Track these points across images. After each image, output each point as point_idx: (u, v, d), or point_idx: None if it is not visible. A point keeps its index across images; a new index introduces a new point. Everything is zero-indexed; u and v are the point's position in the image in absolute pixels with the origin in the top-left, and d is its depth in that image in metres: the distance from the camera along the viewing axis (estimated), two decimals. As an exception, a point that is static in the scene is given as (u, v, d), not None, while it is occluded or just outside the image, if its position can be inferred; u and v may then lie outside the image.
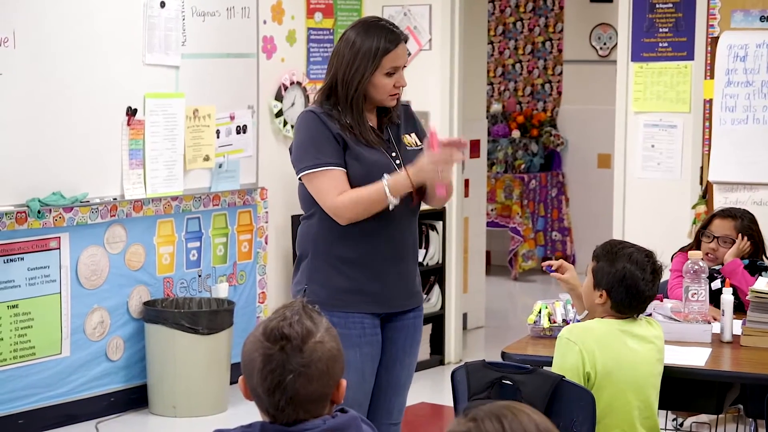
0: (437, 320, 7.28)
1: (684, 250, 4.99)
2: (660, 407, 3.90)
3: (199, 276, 6.58)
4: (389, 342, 3.99)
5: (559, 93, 10.48)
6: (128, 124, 6.11)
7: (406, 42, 3.93)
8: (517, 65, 10.62)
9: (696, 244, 5.01)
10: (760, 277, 4.63)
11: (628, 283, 3.76)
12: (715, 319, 4.44)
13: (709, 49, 6.32)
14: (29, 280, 5.80)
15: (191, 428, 6.04)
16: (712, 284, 4.65)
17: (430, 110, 7.22)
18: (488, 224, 9.22)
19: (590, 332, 3.76)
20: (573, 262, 10.01)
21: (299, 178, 3.94)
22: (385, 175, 3.84)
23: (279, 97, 6.92)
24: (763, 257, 5.01)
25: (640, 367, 3.78)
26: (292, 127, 6.91)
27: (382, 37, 3.85)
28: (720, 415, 4.99)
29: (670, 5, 6.44)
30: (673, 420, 5.69)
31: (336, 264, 3.89)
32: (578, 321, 4.09)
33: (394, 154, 3.94)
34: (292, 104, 6.99)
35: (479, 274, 8.25)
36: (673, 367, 3.94)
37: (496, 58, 10.64)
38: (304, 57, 7.09)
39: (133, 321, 6.28)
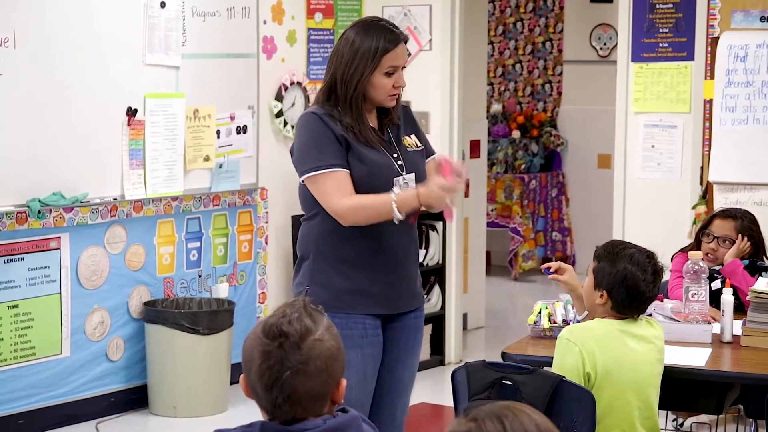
0: (437, 320, 7.28)
1: (684, 250, 4.99)
2: (660, 407, 3.90)
3: (200, 276, 6.58)
4: (391, 342, 3.99)
5: (560, 93, 10.48)
6: (128, 125, 6.11)
7: (406, 42, 3.93)
8: (518, 65, 10.62)
9: (696, 245, 5.01)
10: (760, 277, 4.63)
11: (629, 283, 3.76)
12: (714, 320, 4.44)
13: (709, 49, 6.32)
14: (29, 281, 5.80)
15: (191, 428, 6.04)
16: (712, 284, 4.64)
17: (430, 110, 7.22)
18: (488, 224, 9.22)
19: (590, 333, 3.76)
20: (573, 263, 10.02)
21: (302, 181, 3.92)
22: (394, 189, 3.84)
23: (279, 98, 6.92)
24: (764, 257, 5.01)
25: (641, 367, 3.78)
26: (293, 127, 6.96)
27: (381, 37, 3.85)
28: (720, 416, 4.99)
29: (671, 5, 6.44)
30: (674, 420, 5.69)
31: (338, 265, 3.89)
32: (578, 321, 4.09)
33: (395, 155, 3.94)
34: (293, 104, 6.99)
35: (479, 274, 8.25)
36: (674, 368, 3.94)
37: (496, 58, 10.64)
38: (304, 57, 7.09)
39: (133, 321, 6.28)
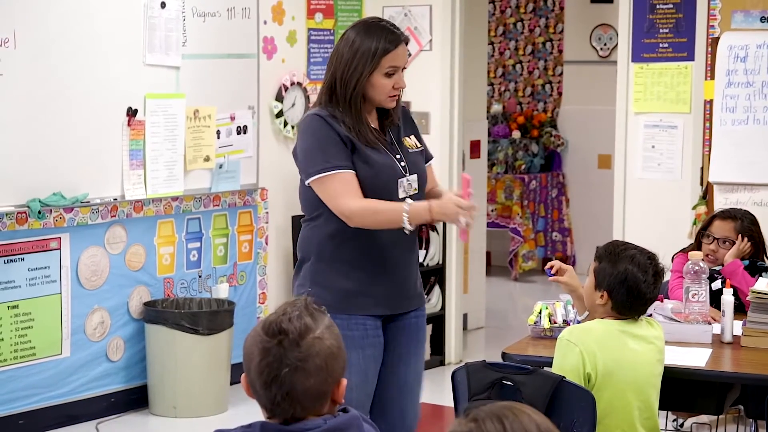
0: (437, 321, 7.28)
1: (685, 250, 4.99)
2: (660, 408, 3.90)
3: (200, 276, 6.58)
4: (392, 342, 3.99)
5: (560, 93, 10.48)
6: (129, 125, 6.11)
7: (406, 44, 3.93)
8: (518, 66, 10.62)
9: (697, 245, 5.01)
10: (760, 277, 4.63)
11: (630, 284, 3.75)
12: (714, 320, 4.44)
13: (709, 49, 6.32)
14: (30, 281, 5.80)
15: (191, 429, 6.04)
16: (713, 285, 4.64)
17: (431, 111, 7.22)
18: (488, 225, 9.22)
19: (590, 333, 3.76)
20: (573, 263, 10.02)
21: (308, 183, 3.90)
22: (408, 200, 3.84)
23: (279, 98, 6.92)
24: (764, 258, 5.01)
25: (641, 367, 3.78)
26: (293, 127, 6.96)
27: (382, 38, 3.85)
28: (720, 416, 4.99)
29: (671, 6, 6.44)
30: (674, 420, 5.69)
31: (340, 266, 3.89)
32: (579, 322, 4.09)
33: (398, 156, 3.94)
34: (293, 105, 6.99)
35: (479, 274, 8.25)
36: (674, 368, 3.94)
37: (496, 58, 10.64)
38: (304, 57, 7.09)
39: (133, 321, 6.28)
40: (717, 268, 4.89)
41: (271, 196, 6.91)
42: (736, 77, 6.21)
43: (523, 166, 10.15)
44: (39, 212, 5.74)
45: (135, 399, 6.28)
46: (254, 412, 2.36)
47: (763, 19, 6.20)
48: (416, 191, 3.95)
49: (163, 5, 6.22)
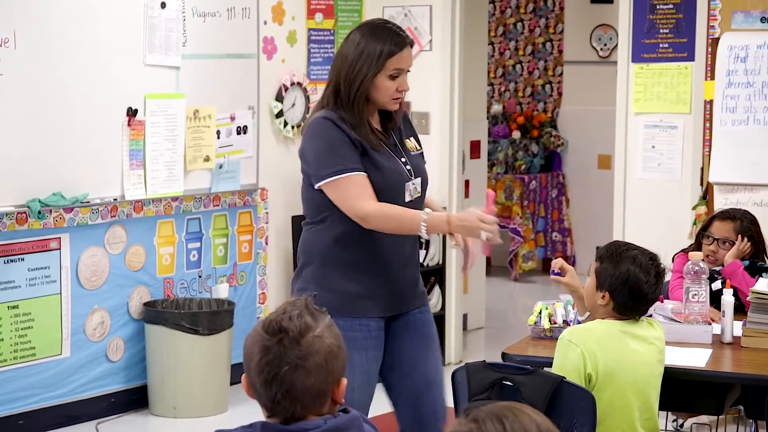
0: (437, 321, 7.20)
1: (685, 251, 4.99)
2: (660, 408, 3.90)
3: (200, 277, 6.58)
4: (397, 339, 4.00)
5: (560, 94, 10.48)
6: (129, 125, 6.11)
7: (411, 47, 3.93)
8: (518, 66, 10.62)
9: (697, 246, 5.01)
10: (760, 278, 4.63)
11: (632, 285, 3.75)
12: (714, 320, 4.44)
13: (709, 50, 6.32)
14: (29, 281, 5.80)
15: (192, 429, 6.04)
16: (713, 285, 4.64)
17: (431, 111, 7.22)
18: (488, 225, 9.20)
19: (591, 334, 3.76)
20: (573, 263, 10.01)
21: (318, 187, 3.87)
22: (427, 210, 3.86)
23: (279, 98, 6.92)
24: (764, 258, 5.01)
25: (641, 368, 3.77)
26: (293, 127, 6.96)
27: (387, 40, 3.85)
28: (720, 416, 4.99)
29: (671, 6, 6.44)
30: (674, 421, 5.69)
31: (345, 270, 3.89)
32: (579, 322, 4.09)
33: (403, 160, 3.95)
34: (293, 105, 6.99)
35: (479, 274, 8.25)
36: (674, 368, 3.94)
37: (496, 58, 10.64)
38: (304, 58, 7.09)
39: (133, 322, 6.27)
40: (717, 268, 4.89)
41: (271, 196, 6.90)
42: (737, 77, 6.21)
43: (523, 167, 10.15)
44: (39, 212, 5.74)
45: (135, 399, 6.28)
46: (254, 412, 2.36)
47: (763, 20, 6.20)
48: (420, 194, 3.97)
49: (163, 5, 6.22)
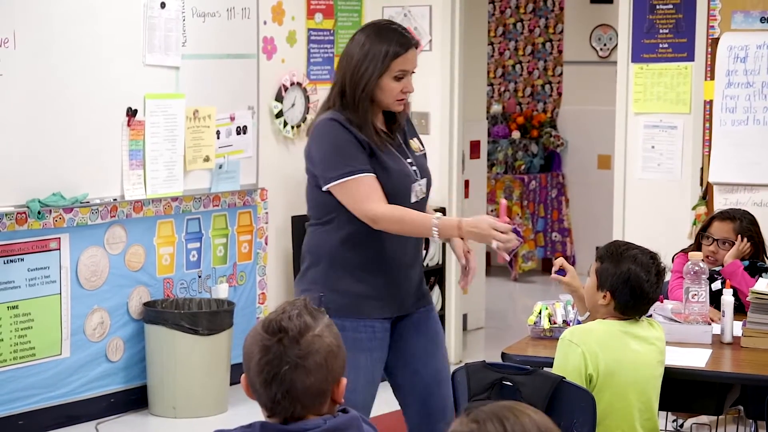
0: (437, 321, 7.27)
1: (685, 251, 4.98)
2: (660, 408, 3.90)
3: (199, 277, 6.58)
4: (401, 339, 4.00)
5: (560, 94, 10.48)
6: (128, 125, 6.11)
7: (416, 48, 3.93)
8: (517, 66, 10.62)
9: (697, 246, 5.01)
10: (760, 278, 4.62)
11: (633, 284, 3.75)
12: (714, 321, 4.44)
13: (709, 50, 6.32)
14: (29, 281, 5.80)
15: (191, 429, 6.04)
16: (713, 285, 4.64)
17: (430, 111, 7.22)
18: (488, 225, 9.20)
19: (592, 334, 3.76)
20: (573, 263, 9.97)
21: (326, 188, 3.86)
22: (438, 215, 3.88)
23: (279, 98, 6.92)
24: (764, 258, 5.01)
25: (642, 368, 3.77)
26: (293, 127, 6.96)
27: (393, 41, 3.85)
28: (720, 417, 4.99)
29: (671, 6, 6.44)
30: (674, 421, 5.69)
31: (352, 271, 3.89)
32: (579, 322, 4.09)
33: (409, 161, 3.96)
34: (293, 105, 6.99)
35: (479, 274, 8.24)
36: (674, 368, 3.94)
37: (496, 58, 10.64)
38: (304, 58, 7.08)
39: (133, 322, 6.27)
40: (717, 268, 4.89)
41: (271, 196, 6.90)
42: (736, 78, 6.21)
43: (522, 167, 10.15)
44: (39, 212, 5.74)
45: (135, 399, 6.28)
46: (254, 413, 2.36)
47: (763, 20, 6.20)
48: (425, 195, 3.99)
49: (163, 5, 6.22)
